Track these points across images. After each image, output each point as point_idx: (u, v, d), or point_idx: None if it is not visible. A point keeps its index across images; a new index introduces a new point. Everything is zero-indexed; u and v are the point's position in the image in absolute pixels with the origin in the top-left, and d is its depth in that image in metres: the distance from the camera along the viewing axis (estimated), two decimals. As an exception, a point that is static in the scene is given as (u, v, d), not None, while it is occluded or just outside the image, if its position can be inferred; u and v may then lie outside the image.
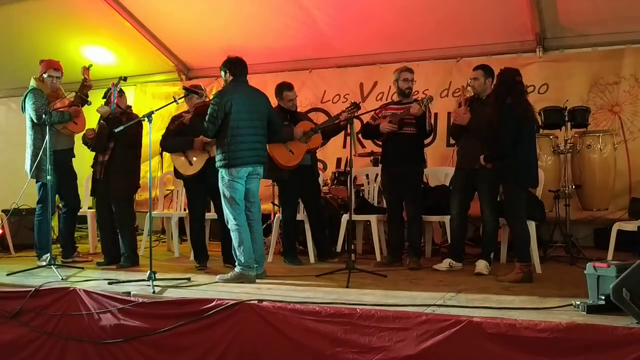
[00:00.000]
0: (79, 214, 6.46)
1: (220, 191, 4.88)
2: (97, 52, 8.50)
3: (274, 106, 5.40)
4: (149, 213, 4.95)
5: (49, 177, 5.50)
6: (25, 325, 4.46)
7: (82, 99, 5.93)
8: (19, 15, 7.88)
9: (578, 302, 3.49)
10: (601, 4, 6.46)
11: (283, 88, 5.96)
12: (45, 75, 5.93)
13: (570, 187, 5.93)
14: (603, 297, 3.43)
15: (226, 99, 4.82)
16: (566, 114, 5.97)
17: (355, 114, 5.64)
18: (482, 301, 3.81)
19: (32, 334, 4.44)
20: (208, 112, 4.85)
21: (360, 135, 6.31)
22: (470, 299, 3.92)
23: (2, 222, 6.93)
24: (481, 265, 5.00)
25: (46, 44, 7.92)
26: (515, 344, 3.17)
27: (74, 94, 5.97)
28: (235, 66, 5.00)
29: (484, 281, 4.69)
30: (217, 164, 4.88)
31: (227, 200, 4.84)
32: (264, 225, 5.87)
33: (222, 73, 5.06)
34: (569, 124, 6.00)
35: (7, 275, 5.09)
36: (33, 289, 4.51)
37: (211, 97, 5.07)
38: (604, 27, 6.79)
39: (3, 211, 7.03)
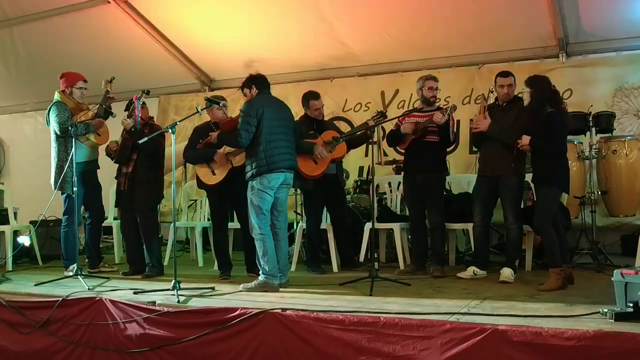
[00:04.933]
0: (104, 224, 6.55)
1: (248, 199, 4.89)
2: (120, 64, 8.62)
3: (300, 115, 5.45)
4: (173, 223, 5.00)
5: (74, 189, 5.57)
6: (53, 335, 4.52)
7: (106, 111, 6.01)
8: (45, 30, 8.04)
9: (605, 310, 3.44)
10: (624, 8, 6.40)
11: (309, 97, 5.97)
12: (75, 88, 6.00)
13: (596, 193, 5.87)
14: (631, 305, 3.37)
15: (257, 106, 4.88)
16: (590, 119, 5.91)
17: (382, 122, 5.63)
18: (507, 309, 3.77)
19: (59, 344, 4.49)
20: (239, 122, 4.87)
21: (384, 142, 6.27)
22: (495, 306, 3.88)
23: (30, 233, 7.05)
24: (506, 273, 4.95)
25: (71, 58, 8.06)
26: (541, 353, 3.13)
27: (97, 106, 6.05)
28: (260, 81, 5.10)
29: (508, 289, 4.64)
30: (248, 175, 4.88)
31: (253, 209, 4.84)
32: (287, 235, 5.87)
33: (247, 90, 5.10)
34: (593, 129, 5.94)
35: (35, 285, 5.19)
36: (60, 299, 4.57)
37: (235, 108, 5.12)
38: (627, 31, 6.72)
39: (31, 222, 7.16)
